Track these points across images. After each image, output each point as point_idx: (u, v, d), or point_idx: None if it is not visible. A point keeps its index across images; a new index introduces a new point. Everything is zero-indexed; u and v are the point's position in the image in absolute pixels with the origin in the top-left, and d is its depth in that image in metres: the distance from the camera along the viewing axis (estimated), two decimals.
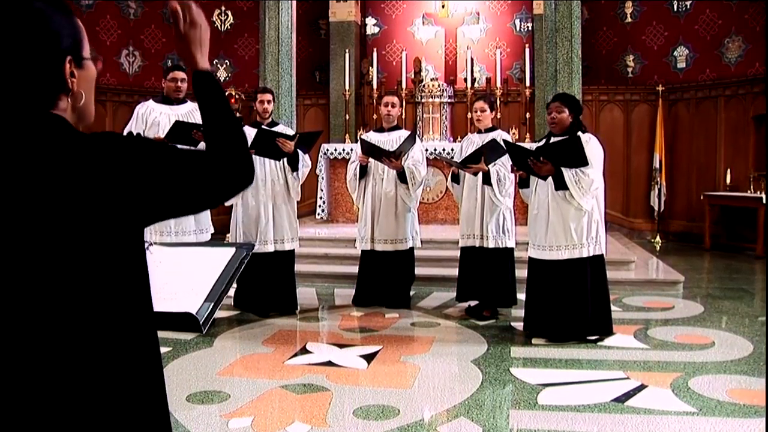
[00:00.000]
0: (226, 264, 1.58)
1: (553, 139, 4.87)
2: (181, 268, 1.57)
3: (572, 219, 4.70)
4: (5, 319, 1.09)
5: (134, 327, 1.19)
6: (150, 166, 1.18)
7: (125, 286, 1.17)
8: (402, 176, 5.74)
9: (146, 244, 1.53)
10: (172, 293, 1.53)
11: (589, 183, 4.61)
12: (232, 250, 1.62)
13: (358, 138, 6.24)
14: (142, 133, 5.33)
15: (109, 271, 1.14)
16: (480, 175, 5.42)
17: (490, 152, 5.29)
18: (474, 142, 5.66)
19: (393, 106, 5.98)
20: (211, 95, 1.37)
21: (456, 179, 5.70)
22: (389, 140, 5.92)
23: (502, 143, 5.23)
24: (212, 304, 1.53)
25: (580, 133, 4.74)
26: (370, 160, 5.80)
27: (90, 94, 1.30)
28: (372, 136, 6.06)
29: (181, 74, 5.40)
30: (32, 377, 1.08)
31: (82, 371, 1.11)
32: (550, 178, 4.70)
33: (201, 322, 1.49)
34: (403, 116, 10.45)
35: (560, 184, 4.65)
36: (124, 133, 5.31)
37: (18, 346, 1.09)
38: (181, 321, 1.50)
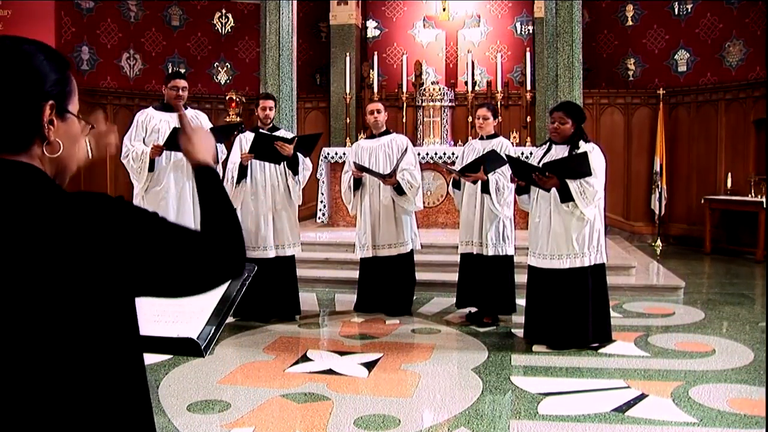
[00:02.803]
0: (227, 286, 1.57)
1: (554, 147, 4.87)
2: None
3: (574, 228, 4.70)
4: None
5: (117, 372, 1.18)
6: (136, 240, 1.14)
7: (97, 342, 1.15)
8: (399, 189, 5.74)
9: None
10: (172, 318, 1.52)
11: (593, 193, 4.62)
12: None
13: (351, 145, 6.19)
14: (142, 141, 5.33)
15: (79, 329, 1.12)
16: (479, 183, 5.42)
17: (489, 162, 5.30)
18: (475, 148, 5.66)
19: (378, 112, 5.95)
20: (210, 187, 1.39)
21: (457, 185, 5.71)
22: (380, 145, 5.90)
23: (504, 153, 5.23)
24: (213, 328, 1.53)
25: (582, 143, 4.75)
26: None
27: (70, 148, 1.24)
28: (363, 144, 6.05)
29: (182, 82, 5.41)
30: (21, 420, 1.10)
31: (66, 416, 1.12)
32: (553, 189, 4.69)
33: (202, 347, 1.49)
34: (404, 120, 10.47)
35: (565, 197, 4.64)
36: (123, 144, 5.34)
37: None
38: (183, 346, 1.50)
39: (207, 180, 1.41)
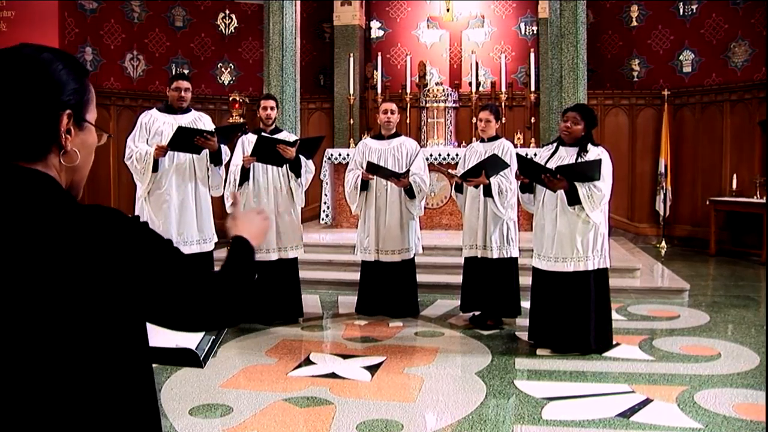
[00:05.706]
0: None
1: (562, 149, 4.83)
2: None
3: (579, 232, 4.68)
4: None
5: (127, 387, 1.17)
6: (143, 262, 1.13)
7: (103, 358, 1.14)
8: (409, 191, 5.70)
9: None
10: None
11: (601, 198, 4.60)
12: None
13: (359, 147, 6.10)
14: (146, 143, 5.31)
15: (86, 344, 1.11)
16: (481, 186, 5.39)
17: (490, 166, 5.27)
18: (477, 151, 5.63)
19: (392, 112, 5.91)
20: (242, 249, 1.43)
21: (459, 189, 5.68)
22: (390, 148, 5.86)
23: (508, 155, 5.20)
24: (212, 338, 1.51)
25: (590, 146, 4.73)
26: None
27: (86, 159, 1.24)
28: (371, 144, 5.98)
29: (185, 84, 5.39)
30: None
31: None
32: (560, 192, 4.67)
33: (201, 357, 1.47)
34: (407, 120, 10.44)
35: (573, 200, 4.61)
36: (127, 146, 5.32)
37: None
38: (181, 356, 1.48)
39: (243, 245, 1.43)
